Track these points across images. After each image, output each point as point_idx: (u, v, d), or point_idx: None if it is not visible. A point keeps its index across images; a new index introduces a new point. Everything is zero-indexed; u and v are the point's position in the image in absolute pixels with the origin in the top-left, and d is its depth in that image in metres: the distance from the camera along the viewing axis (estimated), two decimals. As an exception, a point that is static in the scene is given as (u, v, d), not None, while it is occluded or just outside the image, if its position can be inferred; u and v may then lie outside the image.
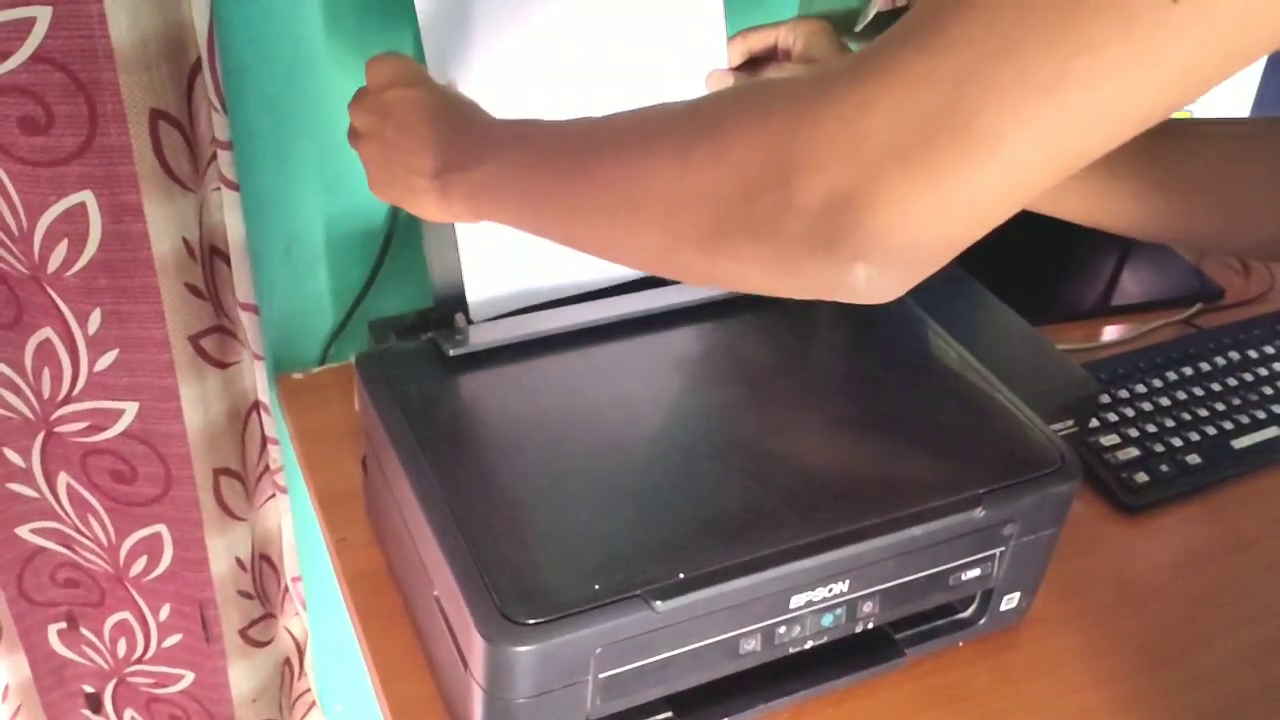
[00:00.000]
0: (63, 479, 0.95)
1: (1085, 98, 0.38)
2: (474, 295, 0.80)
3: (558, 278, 0.83)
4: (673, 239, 0.49)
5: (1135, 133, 0.40)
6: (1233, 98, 1.10)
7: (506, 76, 0.80)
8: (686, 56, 0.84)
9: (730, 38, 0.84)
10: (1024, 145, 0.39)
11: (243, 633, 1.03)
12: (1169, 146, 0.69)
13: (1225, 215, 0.69)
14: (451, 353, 0.75)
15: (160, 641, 1.04)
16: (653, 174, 0.49)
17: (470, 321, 0.80)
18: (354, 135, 0.71)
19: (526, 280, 0.82)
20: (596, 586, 0.60)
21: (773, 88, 0.46)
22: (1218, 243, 0.73)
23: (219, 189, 0.82)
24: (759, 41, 0.83)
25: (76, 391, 0.89)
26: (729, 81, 0.82)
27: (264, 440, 0.96)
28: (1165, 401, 0.98)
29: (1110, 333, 1.09)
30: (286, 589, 1.06)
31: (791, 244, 0.44)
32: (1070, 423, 0.88)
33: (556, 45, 0.81)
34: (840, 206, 0.42)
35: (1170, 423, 0.96)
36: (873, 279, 0.44)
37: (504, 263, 0.81)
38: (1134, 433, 0.95)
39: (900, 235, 0.42)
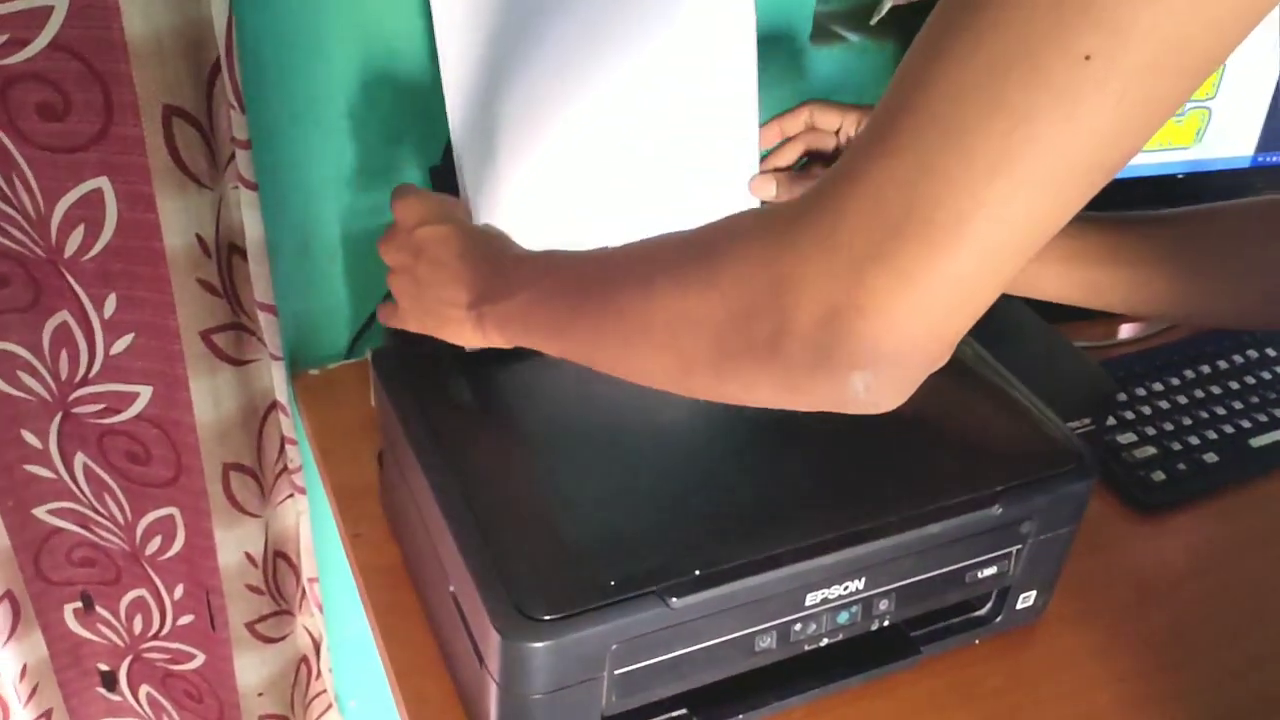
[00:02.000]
0: (79, 459, 0.95)
1: (1032, 168, 0.39)
2: None
3: (568, 237, 0.82)
4: (683, 363, 0.51)
5: (1091, 193, 0.42)
6: (1252, 98, 1.09)
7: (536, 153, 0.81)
8: (720, 157, 0.86)
9: (762, 125, 0.85)
10: (987, 227, 0.41)
11: (250, 626, 1.03)
12: (1207, 232, 0.72)
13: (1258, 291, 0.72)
14: (468, 348, 0.75)
15: (175, 619, 1.04)
16: (656, 302, 0.51)
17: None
18: (390, 273, 0.73)
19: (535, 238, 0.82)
20: (612, 583, 0.60)
21: (757, 214, 0.48)
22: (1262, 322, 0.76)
23: (237, 187, 0.82)
24: (791, 122, 0.85)
25: (93, 374, 0.89)
26: (769, 185, 0.85)
27: (282, 440, 0.96)
28: (1183, 400, 0.98)
29: (1128, 330, 1.08)
30: (304, 589, 1.06)
31: (791, 363, 0.46)
32: (1087, 420, 0.87)
33: (587, 134, 0.82)
34: (829, 321, 0.43)
35: (1188, 421, 0.96)
36: (870, 387, 0.45)
37: (508, 221, 0.81)
38: (1151, 431, 0.94)
39: (889, 338, 0.43)
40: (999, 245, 0.41)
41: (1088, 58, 0.37)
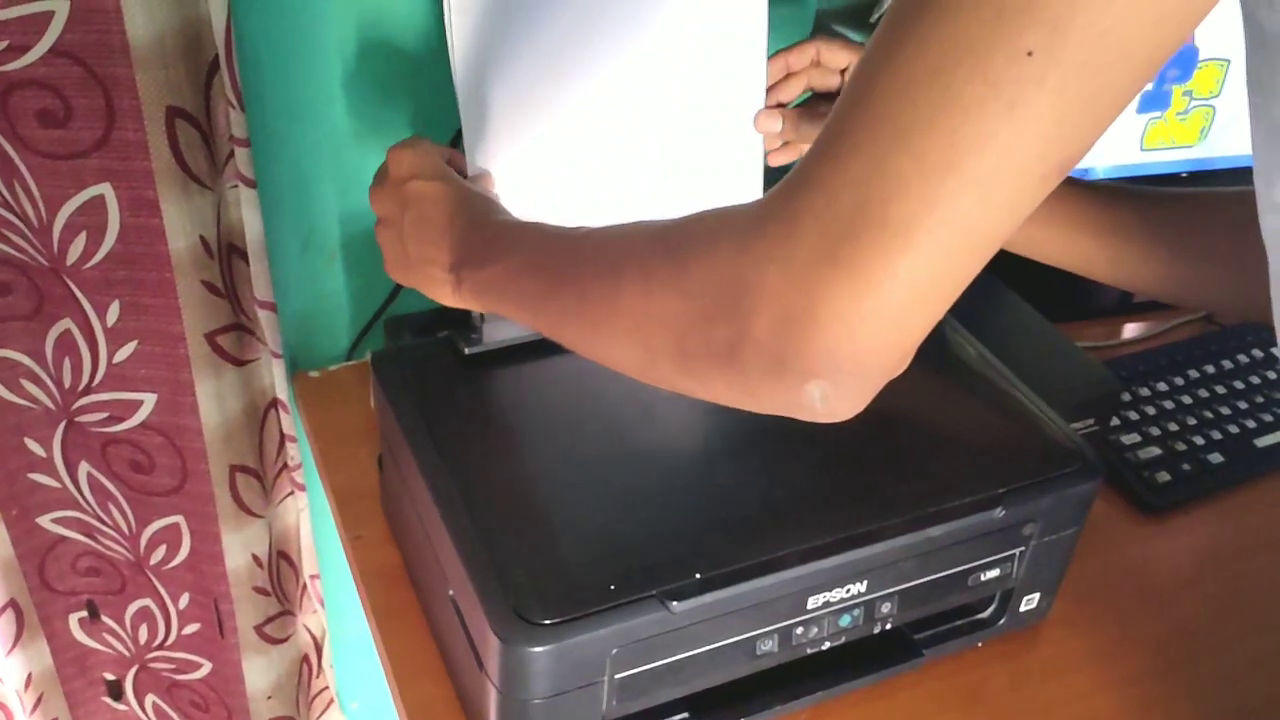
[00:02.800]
0: (83, 468, 0.95)
1: (978, 165, 0.40)
2: None
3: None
4: (646, 355, 0.51)
5: (1044, 191, 0.42)
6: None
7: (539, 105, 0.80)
8: (728, 144, 0.85)
9: (770, 57, 0.84)
10: (938, 227, 0.41)
11: (258, 629, 1.03)
12: (1191, 217, 0.72)
13: (1239, 283, 0.71)
14: (467, 351, 0.75)
15: (180, 629, 1.04)
16: (622, 294, 0.51)
17: (483, 317, 0.80)
18: (378, 221, 0.73)
19: None
20: (612, 586, 0.60)
21: (724, 214, 0.48)
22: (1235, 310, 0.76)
23: (236, 186, 0.82)
24: (797, 57, 0.84)
25: (96, 382, 0.89)
26: (774, 120, 0.83)
27: (282, 438, 0.96)
28: (1187, 400, 0.97)
29: (1131, 330, 1.08)
30: (305, 586, 1.06)
31: (747, 369, 0.46)
32: (1091, 421, 0.87)
33: (587, 58, 0.81)
34: (785, 329, 0.43)
35: (1192, 421, 0.95)
36: (827, 395, 0.45)
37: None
38: (1155, 431, 0.94)
39: (845, 345, 0.43)
40: (952, 246, 0.41)
41: (1029, 54, 0.38)
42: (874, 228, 0.41)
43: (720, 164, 0.85)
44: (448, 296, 0.67)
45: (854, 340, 0.43)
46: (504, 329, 0.78)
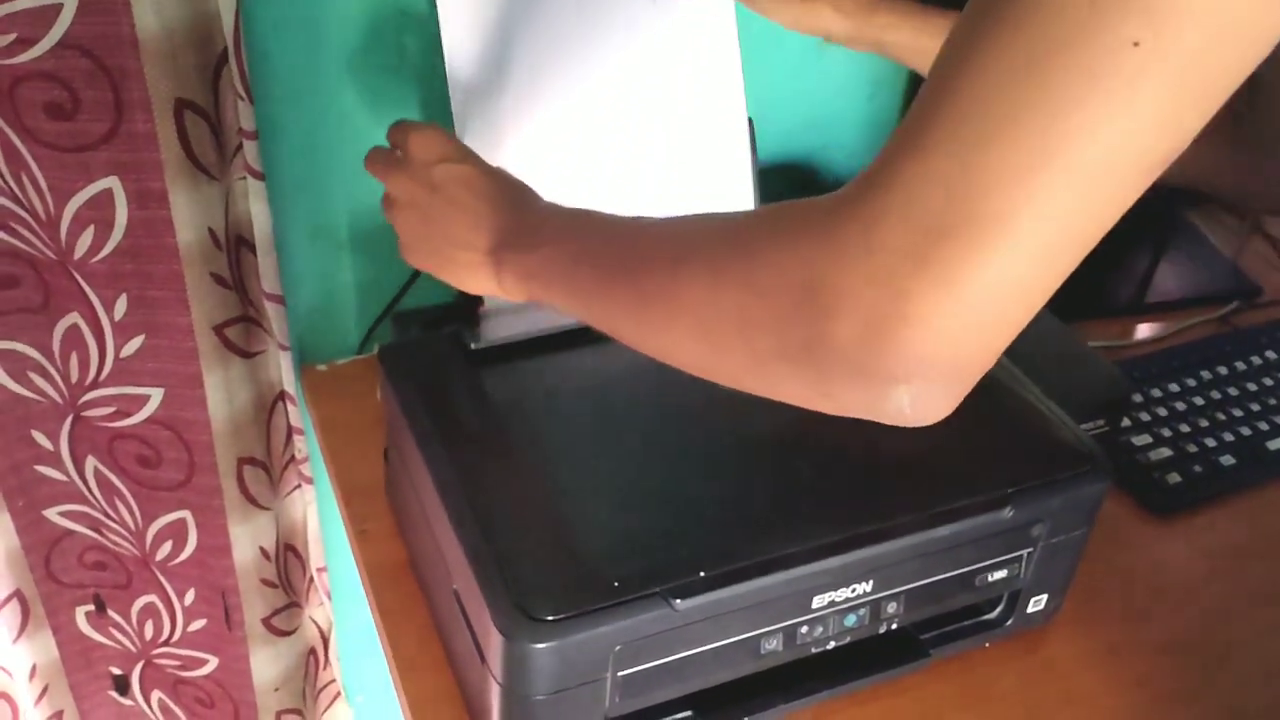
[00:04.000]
0: (90, 463, 0.95)
1: (1076, 161, 0.38)
2: None
3: None
4: (711, 353, 0.49)
5: (1142, 187, 0.40)
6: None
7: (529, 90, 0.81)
8: (712, 142, 0.87)
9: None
10: (1031, 224, 0.39)
11: (266, 621, 1.03)
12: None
13: None
14: (473, 346, 0.75)
15: (186, 625, 1.04)
16: (686, 290, 0.49)
17: (482, 303, 0.80)
18: (389, 203, 0.71)
19: None
20: (616, 583, 0.60)
21: (801, 209, 0.45)
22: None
23: (245, 179, 0.82)
24: None
25: (103, 377, 0.89)
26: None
27: (289, 430, 0.96)
28: (1199, 401, 0.97)
29: (1144, 330, 1.07)
30: (312, 579, 1.06)
31: (827, 372, 0.43)
32: (1101, 422, 0.86)
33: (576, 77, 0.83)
34: (870, 333, 0.41)
35: (1204, 423, 0.95)
36: (917, 400, 0.43)
37: None
38: (1167, 433, 0.93)
39: (934, 347, 0.41)
40: (1046, 243, 0.39)
41: (1135, 44, 0.36)
42: (963, 226, 0.39)
43: (707, 158, 0.86)
44: (482, 282, 0.65)
45: (944, 343, 0.41)
46: (510, 325, 0.78)
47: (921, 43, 0.75)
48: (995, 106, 0.38)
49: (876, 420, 0.45)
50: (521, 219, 0.63)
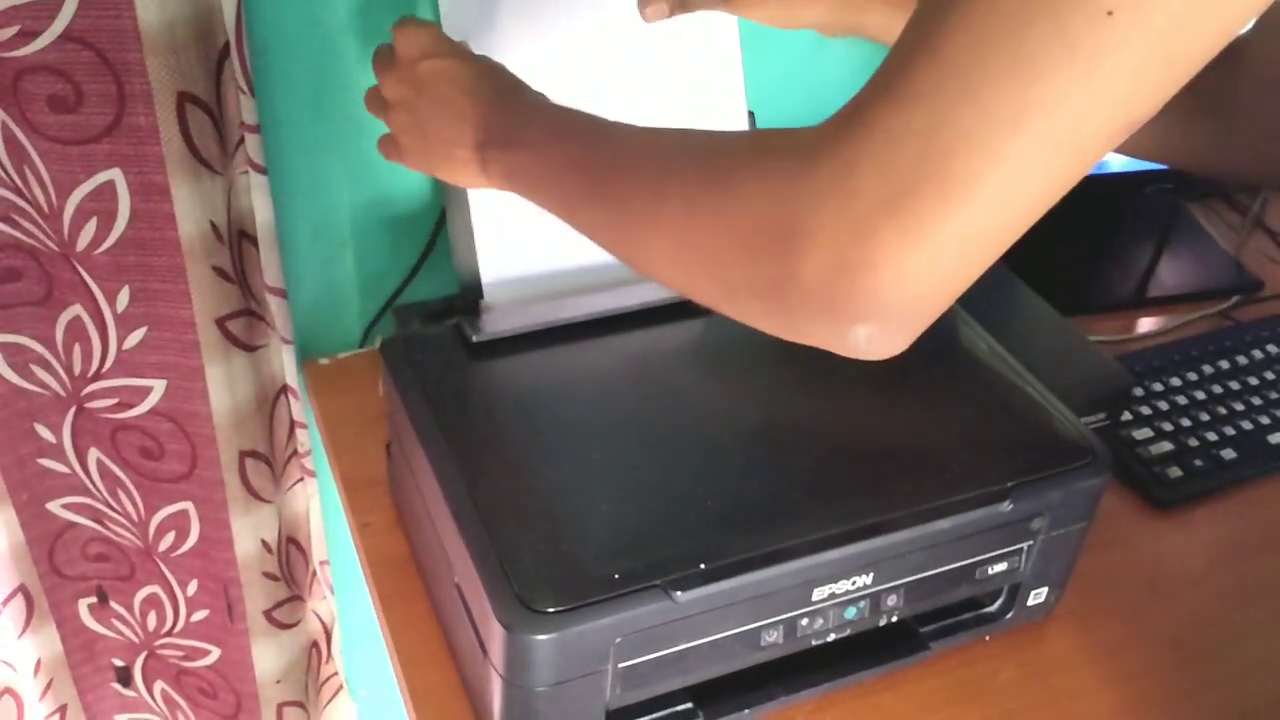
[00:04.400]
0: (93, 454, 0.95)
1: (1048, 125, 0.39)
2: (488, 275, 0.80)
3: (574, 256, 0.83)
4: (685, 277, 0.51)
5: (1110, 147, 0.41)
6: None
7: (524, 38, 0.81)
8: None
9: None
10: (1001, 183, 0.40)
11: (267, 614, 1.03)
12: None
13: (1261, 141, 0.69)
14: (475, 339, 0.75)
15: (189, 616, 1.04)
16: (664, 214, 0.50)
17: (483, 296, 0.80)
18: (377, 104, 0.72)
19: (542, 259, 0.83)
20: (616, 576, 0.60)
21: (775, 144, 0.46)
22: (1254, 172, 0.74)
23: (247, 172, 0.82)
24: None
25: (106, 368, 0.89)
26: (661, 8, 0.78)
27: (292, 424, 0.96)
28: (1200, 395, 0.97)
29: (1145, 324, 1.07)
30: (314, 573, 1.06)
31: (793, 307, 0.45)
32: (1102, 415, 0.86)
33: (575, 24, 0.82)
34: (837, 274, 0.43)
35: (1205, 417, 0.95)
36: (873, 337, 0.45)
37: (519, 241, 0.81)
38: (1168, 426, 0.93)
39: (897, 292, 0.43)
40: (1011, 202, 0.41)
41: (1110, 13, 0.37)
42: (937, 181, 0.40)
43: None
44: (472, 177, 0.65)
45: (906, 289, 0.42)
46: (512, 317, 0.78)
47: (898, 23, 0.75)
48: (976, 67, 0.39)
49: (834, 351, 0.47)
50: (507, 115, 0.63)
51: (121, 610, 1.06)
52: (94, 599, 1.05)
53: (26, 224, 0.82)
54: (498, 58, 0.79)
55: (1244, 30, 0.55)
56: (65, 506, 0.99)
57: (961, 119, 0.40)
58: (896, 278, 0.42)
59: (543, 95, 0.65)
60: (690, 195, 0.49)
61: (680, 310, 0.80)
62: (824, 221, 0.43)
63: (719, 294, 0.49)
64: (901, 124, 0.41)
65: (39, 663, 1.04)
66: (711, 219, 0.47)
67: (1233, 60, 0.66)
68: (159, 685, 1.11)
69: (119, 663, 1.10)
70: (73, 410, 0.92)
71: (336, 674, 1.15)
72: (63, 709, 1.09)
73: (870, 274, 0.42)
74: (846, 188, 0.42)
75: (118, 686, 1.12)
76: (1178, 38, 0.38)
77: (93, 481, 0.97)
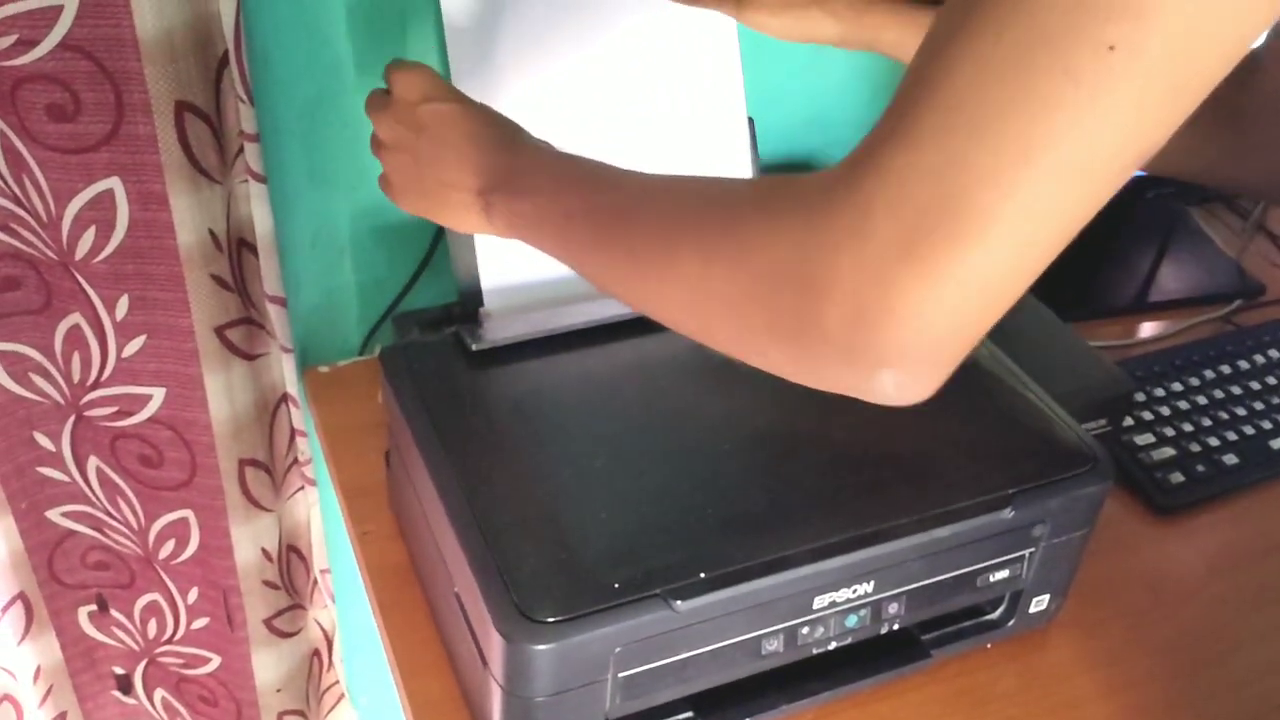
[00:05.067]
0: (92, 462, 0.95)
1: (1056, 158, 0.39)
2: (488, 281, 0.80)
3: None
4: (702, 326, 0.50)
5: (1122, 180, 0.41)
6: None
7: (527, 74, 0.81)
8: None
9: None
10: (1015, 218, 0.40)
11: (268, 622, 1.03)
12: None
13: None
14: (475, 347, 0.75)
15: (189, 624, 1.04)
16: (677, 264, 0.50)
17: (483, 304, 0.80)
18: (377, 145, 0.71)
19: (542, 266, 0.82)
20: (616, 585, 0.60)
21: (787, 190, 0.46)
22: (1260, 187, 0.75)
23: (246, 181, 0.82)
24: None
25: (105, 376, 0.89)
26: None
27: (292, 432, 0.96)
28: (1202, 400, 0.96)
29: (1147, 329, 1.07)
30: (315, 581, 1.06)
31: (815, 354, 0.45)
32: (1103, 421, 0.86)
33: (577, 55, 0.83)
34: (858, 321, 0.42)
35: (1207, 422, 0.94)
36: (901, 383, 0.44)
37: (519, 248, 0.81)
38: (1170, 432, 0.93)
39: (918, 336, 0.42)
40: (1026, 237, 0.40)
41: (1111, 47, 0.37)
42: (950, 219, 0.40)
43: (708, 157, 0.87)
44: (474, 222, 0.65)
45: (929, 332, 0.42)
46: (512, 326, 0.78)
47: (915, 40, 0.75)
48: (979, 106, 0.39)
49: (862, 399, 0.46)
50: (511, 160, 0.63)
51: (121, 618, 1.06)
52: (94, 607, 1.05)
53: (25, 233, 0.82)
54: (499, 60, 0.79)
55: (1257, 44, 0.55)
56: (65, 515, 0.98)
57: (970, 155, 0.39)
58: (917, 320, 0.41)
59: (546, 142, 0.65)
60: (704, 246, 0.48)
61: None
62: (841, 267, 0.42)
63: (739, 344, 0.48)
64: (912, 164, 0.41)
65: (38, 670, 1.04)
66: (727, 269, 0.47)
67: (1247, 73, 0.64)
68: (159, 693, 1.11)
69: (119, 670, 1.10)
70: (72, 419, 0.92)
71: (338, 682, 1.15)
72: (62, 716, 1.09)
73: (891, 318, 0.41)
74: (862, 232, 0.41)
75: (118, 694, 1.12)
76: (1181, 66, 0.38)
77: (92, 490, 0.97)
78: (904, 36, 0.75)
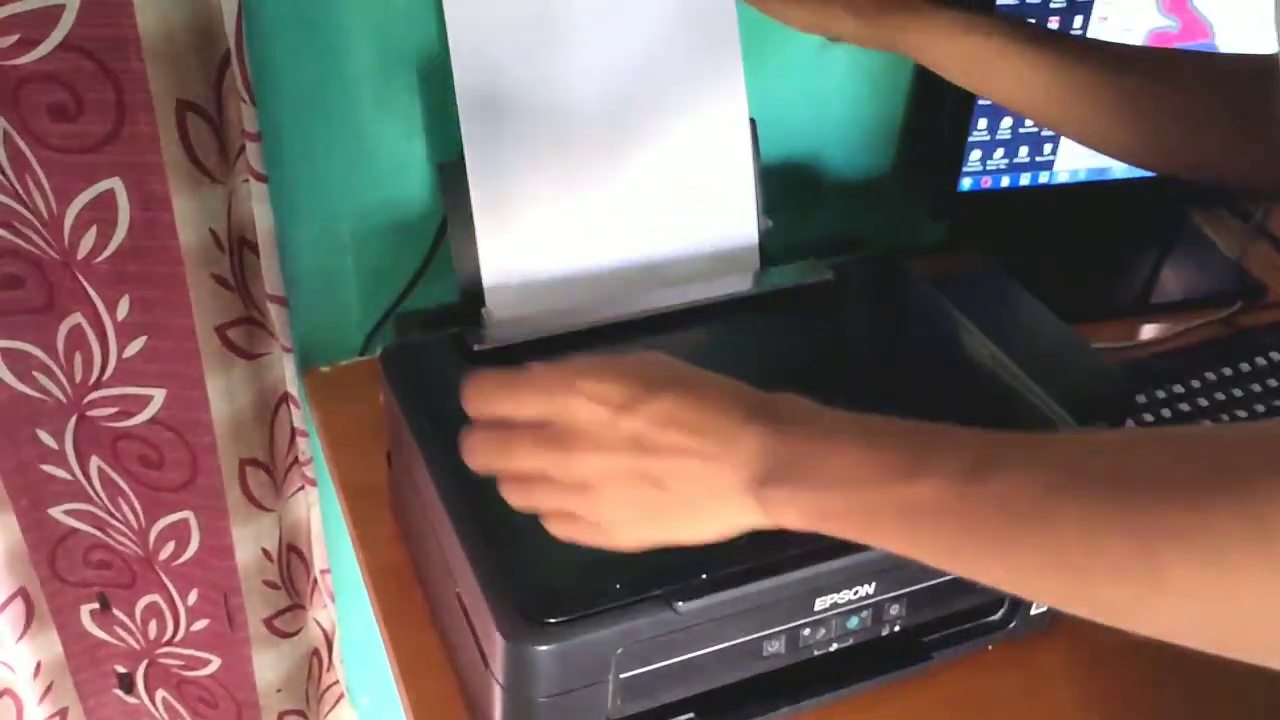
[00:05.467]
0: (94, 462, 0.95)
1: None
2: (490, 280, 0.80)
3: (577, 263, 0.84)
4: (1226, 637, 0.42)
5: None
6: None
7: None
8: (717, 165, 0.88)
9: None
10: None
11: (268, 622, 1.03)
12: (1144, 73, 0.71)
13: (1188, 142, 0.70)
14: (476, 347, 0.75)
15: (189, 625, 1.04)
16: (1167, 567, 0.41)
17: (485, 304, 0.80)
18: (547, 492, 0.55)
19: (545, 266, 0.83)
20: (618, 586, 0.59)
21: None
22: (1181, 167, 0.74)
23: (248, 181, 0.82)
24: None
25: (106, 377, 0.89)
26: None
27: (293, 432, 0.96)
28: (1204, 402, 0.96)
29: (1148, 331, 1.07)
30: (315, 581, 1.06)
31: None
32: (1104, 423, 0.86)
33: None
34: None
35: (1208, 424, 0.94)
36: None
37: (522, 248, 0.81)
38: (1171, 434, 0.93)
39: None
40: None
41: None
42: None
43: (710, 159, 0.87)
44: (731, 523, 0.52)
45: None
46: (513, 328, 0.78)
47: (936, 43, 0.75)
48: None
49: None
50: (806, 442, 0.50)
51: (123, 617, 1.06)
52: (96, 605, 1.05)
53: (28, 232, 0.82)
54: (501, 63, 0.79)
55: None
56: (67, 513, 0.98)
57: None
58: None
59: (841, 413, 0.52)
60: (1215, 533, 0.39)
61: (681, 320, 0.79)
62: None
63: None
64: None
65: (39, 665, 1.04)
66: (1260, 573, 0.38)
67: (1271, 80, 0.62)
68: (161, 694, 1.11)
69: (121, 669, 1.10)
70: (74, 418, 0.92)
71: (338, 682, 1.15)
72: (63, 713, 1.09)
73: None
74: None
75: (120, 693, 1.12)
76: None
77: (94, 489, 0.97)
78: (925, 39, 0.74)
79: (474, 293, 0.80)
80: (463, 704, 0.70)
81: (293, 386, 0.92)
